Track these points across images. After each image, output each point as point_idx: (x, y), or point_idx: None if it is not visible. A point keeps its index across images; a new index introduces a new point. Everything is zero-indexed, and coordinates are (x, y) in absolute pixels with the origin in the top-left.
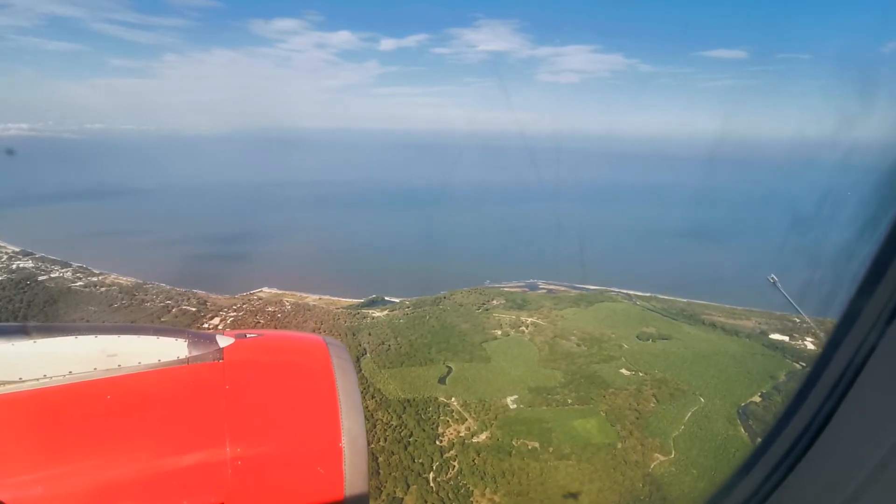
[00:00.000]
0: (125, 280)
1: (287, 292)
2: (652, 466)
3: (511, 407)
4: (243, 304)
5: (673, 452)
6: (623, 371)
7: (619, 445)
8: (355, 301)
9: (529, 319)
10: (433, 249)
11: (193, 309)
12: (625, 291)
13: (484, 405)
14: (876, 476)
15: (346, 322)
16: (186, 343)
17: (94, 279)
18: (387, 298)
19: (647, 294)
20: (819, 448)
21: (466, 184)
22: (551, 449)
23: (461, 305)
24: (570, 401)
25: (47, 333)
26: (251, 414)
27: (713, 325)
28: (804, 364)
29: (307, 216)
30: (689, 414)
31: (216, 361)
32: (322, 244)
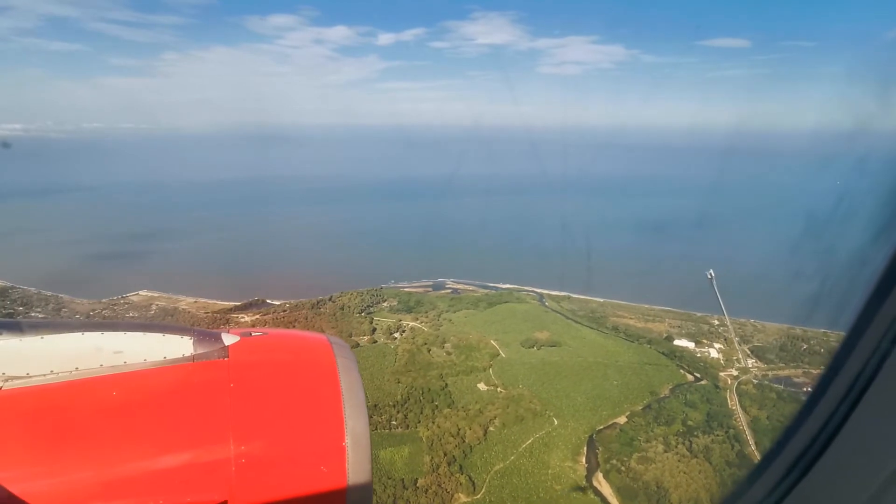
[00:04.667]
0: None
1: (163, 295)
2: None
3: None
4: (104, 308)
5: (481, 492)
6: (480, 386)
7: (420, 482)
8: (231, 304)
9: (411, 324)
10: (378, 246)
11: (41, 315)
12: (537, 291)
13: None
14: (889, 485)
15: (204, 328)
16: (192, 341)
17: None
18: (268, 301)
19: (562, 294)
20: (831, 455)
21: (440, 177)
22: None
23: (342, 308)
24: (394, 422)
25: (54, 330)
26: (255, 412)
27: (616, 330)
28: (697, 375)
29: (239, 214)
30: (530, 441)
31: (221, 359)
32: (245, 243)
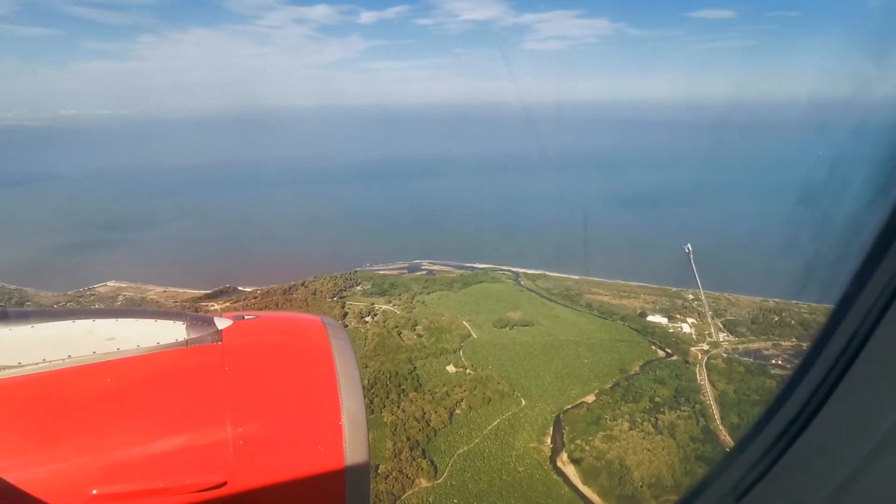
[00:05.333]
0: None
1: (131, 285)
2: (404, 496)
3: None
4: (69, 301)
5: (443, 476)
6: (449, 368)
7: (381, 468)
8: (201, 292)
9: (384, 307)
10: (357, 228)
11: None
12: (513, 270)
13: None
14: (867, 463)
15: None
16: (185, 326)
17: None
18: (239, 288)
19: (538, 272)
20: (809, 436)
21: (425, 157)
22: None
23: (314, 293)
24: None
25: (45, 318)
26: (252, 394)
27: (589, 307)
28: (669, 351)
29: (216, 200)
30: (496, 422)
31: (215, 343)
32: (220, 229)
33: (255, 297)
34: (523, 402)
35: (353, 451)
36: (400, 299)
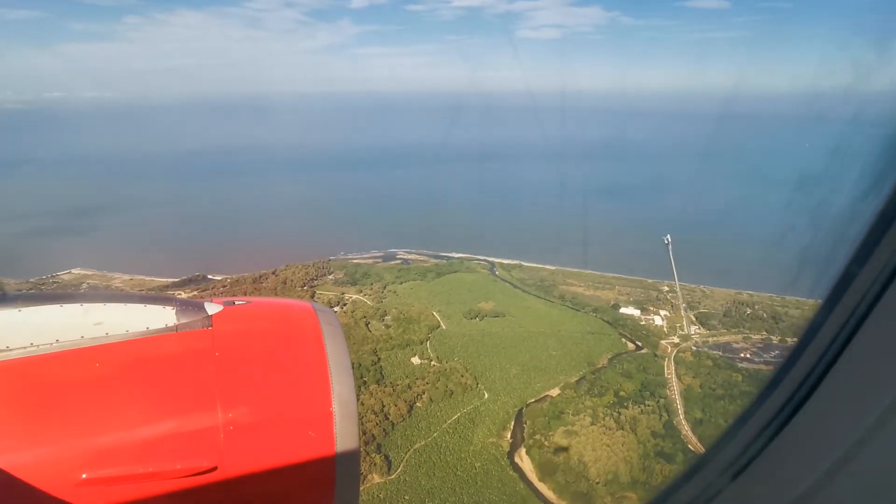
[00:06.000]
0: None
1: (97, 273)
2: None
3: None
4: (31, 289)
5: (397, 472)
6: (414, 360)
7: None
8: (169, 280)
9: (354, 297)
10: (336, 217)
11: None
12: (489, 260)
13: None
14: (860, 444)
15: None
16: (174, 311)
17: None
18: (209, 276)
19: (514, 262)
20: (803, 417)
21: (413, 145)
22: None
23: (284, 283)
24: None
25: (32, 302)
26: (242, 380)
27: (562, 298)
28: (639, 344)
29: (194, 186)
30: (456, 416)
31: (205, 329)
32: (195, 215)
33: (224, 286)
34: (486, 396)
35: (343, 436)
36: (371, 289)
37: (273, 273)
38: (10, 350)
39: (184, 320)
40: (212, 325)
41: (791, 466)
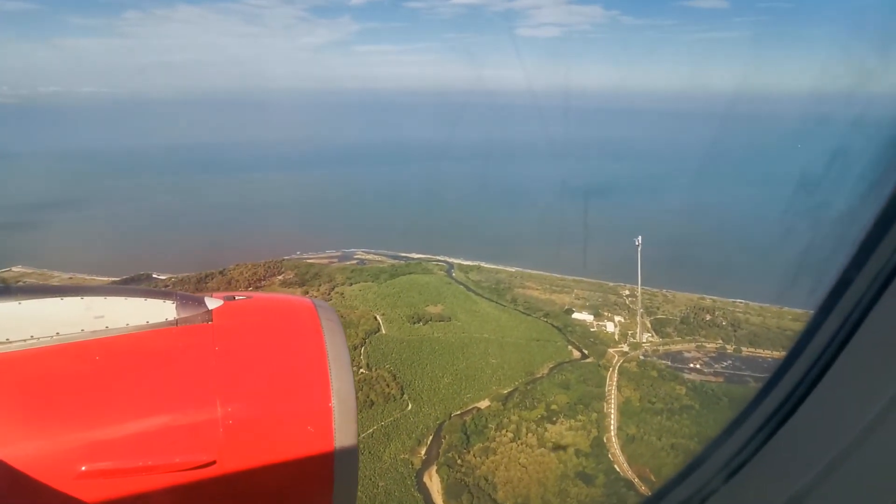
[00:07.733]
0: None
1: (36, 271)
2: None
3: None
4: None
5: None
6: None
7: None
8: (109, 279)
9: None
10: (306, 215)
11: None
12: (448, 261)
13: None
14: (857, 444)
15: None
16: (175, 305)
17: None
18: (154, 275)
19: (473, 263)
20: (799, 418)
21: (405, 143)
22: None
23: (229, 283)
24: None
25: (32, 295)
26: (241, 374)
27: (514, 302)
28: (585, 352)
29: (168, 182)
30: (372, 430)
31: (205, 323)
32: (161, 213)
33: (167, 287)
34: (409, 407)
35: (342, 432)
36: (318, 290)
37: (220, 272)
38: (11, 343)
39: (184, 314)
40: (212, 320)
41: (785, 468)
